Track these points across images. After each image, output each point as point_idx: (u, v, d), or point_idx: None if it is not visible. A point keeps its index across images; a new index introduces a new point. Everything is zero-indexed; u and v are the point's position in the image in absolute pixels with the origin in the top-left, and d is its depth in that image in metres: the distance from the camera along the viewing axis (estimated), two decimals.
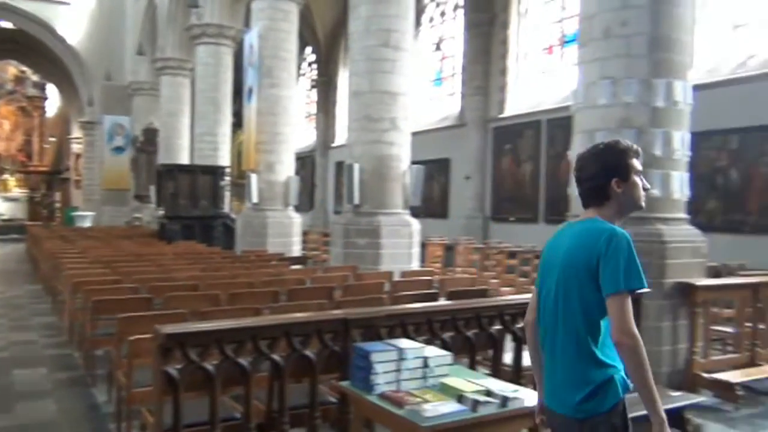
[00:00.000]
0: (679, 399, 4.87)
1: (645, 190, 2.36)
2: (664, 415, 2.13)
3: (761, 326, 5.90)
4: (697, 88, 6.22)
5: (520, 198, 15.89)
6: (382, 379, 3.04)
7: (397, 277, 7.74)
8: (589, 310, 2.21)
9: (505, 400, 2.87)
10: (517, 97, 16.50)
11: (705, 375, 5.59)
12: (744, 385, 5.30)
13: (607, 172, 2.29)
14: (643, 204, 2.37)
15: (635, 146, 2.36)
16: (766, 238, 10.27)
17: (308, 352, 3.71)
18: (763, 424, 4.85)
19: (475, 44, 17.14)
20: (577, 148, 6.46)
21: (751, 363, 5.74)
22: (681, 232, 5.97)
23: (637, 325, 5.19)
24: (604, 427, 2.20)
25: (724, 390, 5.23)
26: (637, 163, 2.33)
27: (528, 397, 2.99)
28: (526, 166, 15.76)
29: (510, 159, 16.23)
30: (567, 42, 15.36)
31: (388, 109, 9.23)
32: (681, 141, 6.00)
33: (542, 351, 2.43)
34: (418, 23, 18.12)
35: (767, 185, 10.64)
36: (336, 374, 3.86)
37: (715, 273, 7.69)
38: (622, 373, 2.22)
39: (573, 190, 6.56)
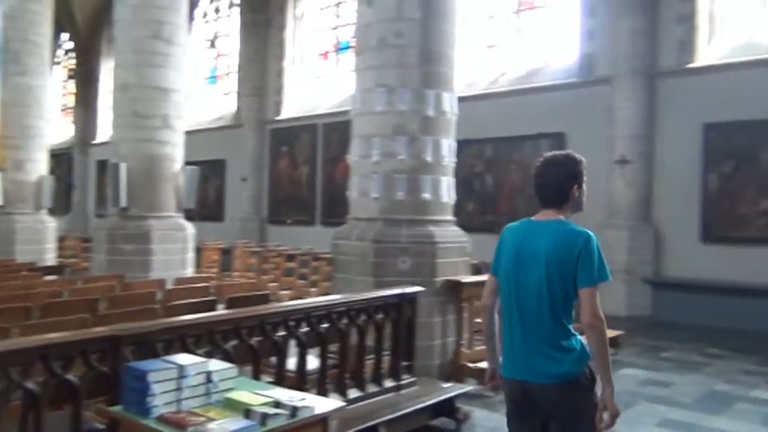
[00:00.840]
0: (450, 390, 5.21)
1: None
2: (613, 384, 2.59)
3: None
4: (458, 100, 6.72)
5: (297, 200, 15.99)
6: (161, 400, 2.78)
7: (170, 285, 7.27)
8: (568, 296, 2.65)
9: (294, 410, 2.78)
10: (294, 99, 16.59)
11: (470, 365, 6.07)
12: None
13: (570, 179, 2.73)
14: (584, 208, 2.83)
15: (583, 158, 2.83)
16: None
17: (71, 376, 3.27)
18: None
19: (252, 44, 16.89)
20: (355, 152, 6.63)
21: None
22: (449, 233, 6.43)
23: (413, 322, 5.40)
24: (586, 385, 2.65)
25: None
26: (584, 173, 2.79)
27: (317, 404, 2.95)
28: (303, 168, 15.92)
29: (287, 161, 16.27)
30: (342, 49, 15.82)
31: (160, 106, 8.67)
32: (448, 148, 6.45)
33: (508, 330, 2.78)
34: (191, 17, 17.35)
35: (515, 190, 11.99)
36: (104, 397, 3.46)
37: (476, 270, 8.41)
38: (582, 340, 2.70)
39: (352, 193, 6.73)
